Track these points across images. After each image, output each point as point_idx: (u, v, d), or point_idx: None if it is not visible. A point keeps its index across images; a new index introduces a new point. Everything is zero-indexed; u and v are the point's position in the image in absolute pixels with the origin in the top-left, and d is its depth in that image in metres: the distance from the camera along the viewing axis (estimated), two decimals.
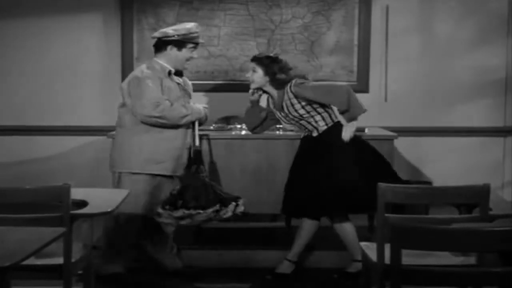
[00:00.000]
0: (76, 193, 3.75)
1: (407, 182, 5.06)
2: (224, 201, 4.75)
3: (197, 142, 4.92)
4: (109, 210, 3.67)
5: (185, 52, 4.93)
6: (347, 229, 4.97)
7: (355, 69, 6.42)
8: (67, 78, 6.48)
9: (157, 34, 5.01)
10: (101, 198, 3.90)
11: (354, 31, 6.42)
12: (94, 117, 6.48)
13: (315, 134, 4.98)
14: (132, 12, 6.39)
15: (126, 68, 6.41)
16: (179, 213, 4.69)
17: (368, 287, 3.93)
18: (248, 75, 5.08)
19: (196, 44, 4.97)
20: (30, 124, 6.48)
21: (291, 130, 5.46)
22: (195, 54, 5.01)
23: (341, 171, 4.87)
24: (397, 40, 6.46)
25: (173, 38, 4.91)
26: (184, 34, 4.92)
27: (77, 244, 3.83)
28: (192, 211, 4.67)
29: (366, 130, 5.59)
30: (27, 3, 6.43)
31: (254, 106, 5.18)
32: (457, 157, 6.48)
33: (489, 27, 6.45)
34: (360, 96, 6.37)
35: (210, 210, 4.69)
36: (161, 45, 4.95)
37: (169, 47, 4.92)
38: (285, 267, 5.04)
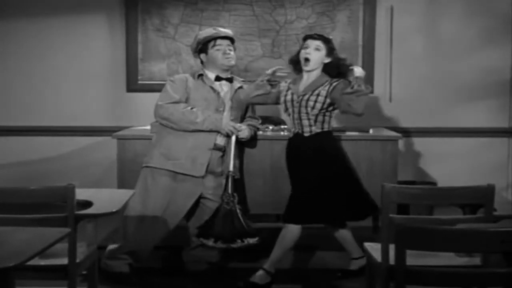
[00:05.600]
0: (81, 194, 3.76)
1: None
2: (238, 234, 4.70)
3: (231, 167, 4.83)
4: (114, 210, 3.67)
5: (212, 52, 4.97)
6: (345, 233, 4.95)
7: None
8: (72, 78, 6.50)
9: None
10: (105, 199, 3.91)
11: (358, 32, 6.42)
12: (99, 118, 6.49)
13: (306, 134, 4.80)
14: (137, 12, 6.40)
15: (131, 68, 6.43)
16: (210, 243, 4.73)
17: (372, 287, 3.93)
18: (308, 51, 4.76)
19: (215, 39, 4.96)
20: (35, 124, 6.50)
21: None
22: (225, 48, 4.96)
23: (339, 179, 4.81)
24: (401, 41, 6.46)
25: (196, 48, 5.03)
26: (199, 40, 5.00)
27: (81, 244, 3.83)
28: (216, 244, 4.71)
29: (371, 131, 5.58)
30: (31, 3, 6.44)
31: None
32: (462, 158, 6.48)
33: (494, 28, 6.44)
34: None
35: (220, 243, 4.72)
36: (198, 58, 5.10)
37: (202, 56, 5.03)
38: (260, 277, 4.79)
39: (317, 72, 4.81)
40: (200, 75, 5.00)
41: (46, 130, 6.49)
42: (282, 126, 5.51)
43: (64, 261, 3.61)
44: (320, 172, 4.74)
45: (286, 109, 4.87)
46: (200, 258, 5.07)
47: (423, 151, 6.49)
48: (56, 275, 3.66)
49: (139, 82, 6.45)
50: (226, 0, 6.39)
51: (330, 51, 4.80)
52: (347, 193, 4.79)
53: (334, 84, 4.73)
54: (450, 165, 6.45)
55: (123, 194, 4.07)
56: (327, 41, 4.79)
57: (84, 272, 3.98)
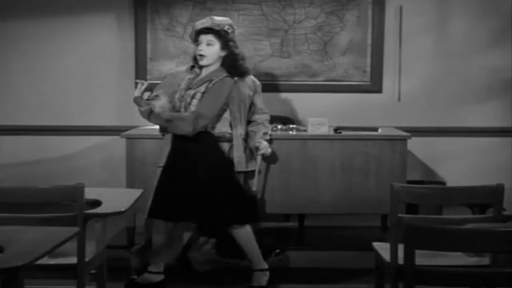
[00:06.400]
0: (90, 193, 3.76)
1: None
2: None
3: (254, 187, 4.77)
4: (122, 210, 3.68)
5: (195, 47, 4.87)
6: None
7: (368, 69, 6.42)
8: (81, 78, 6.52)
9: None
10: (114, 198, 3.91)
11: (367, 31, 6.42)
12: (108, 117, 6.51)
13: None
14: (146, 12, 6.41)
15: (140, 68, 6.44)
16: (228, 260, 4.95)
17: (381, 287, 3.92)
18: (200, 47, 4.50)
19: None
20: (45, 124, 6.52)
21: (304, 130, 5.45)
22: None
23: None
24: (410, 41, 6.45)
25: (195, 38, 4.95)
26: (191, 32, 4.90)
27: (90, 243, 3.84)
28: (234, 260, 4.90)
29: (379, 130, 5.57)
30: (40, 3, 6.46)
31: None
32: (470, 157, 6.47)
33: (503, 28, 6.43)
34: (373, 96, 6.40)
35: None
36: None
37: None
38: (259, 279, 4.64)
39: (214, 67, 4.55)
40: (192, 67, 4.93)
41: (55, 130, 6.51)
42: (291, 126, 5.50)
43: (73, 260, 3.61)
44: (183, 172, 4.51)
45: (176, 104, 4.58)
46: (206, 258, 5.08)
47: (431, 151, 6.48)
48: (65, 275, 3.66)
49: (148, 81, 6.45)
50: None
51: (225, 44, 4.50)
52: (207, 196, 4.47)
53: (214, 80, 4.48)
54: (459, 164, 6.44)
55: (132, 194, 4.07)
56: (219, 34, 4.50)
57: (93, 271, 3.98)
